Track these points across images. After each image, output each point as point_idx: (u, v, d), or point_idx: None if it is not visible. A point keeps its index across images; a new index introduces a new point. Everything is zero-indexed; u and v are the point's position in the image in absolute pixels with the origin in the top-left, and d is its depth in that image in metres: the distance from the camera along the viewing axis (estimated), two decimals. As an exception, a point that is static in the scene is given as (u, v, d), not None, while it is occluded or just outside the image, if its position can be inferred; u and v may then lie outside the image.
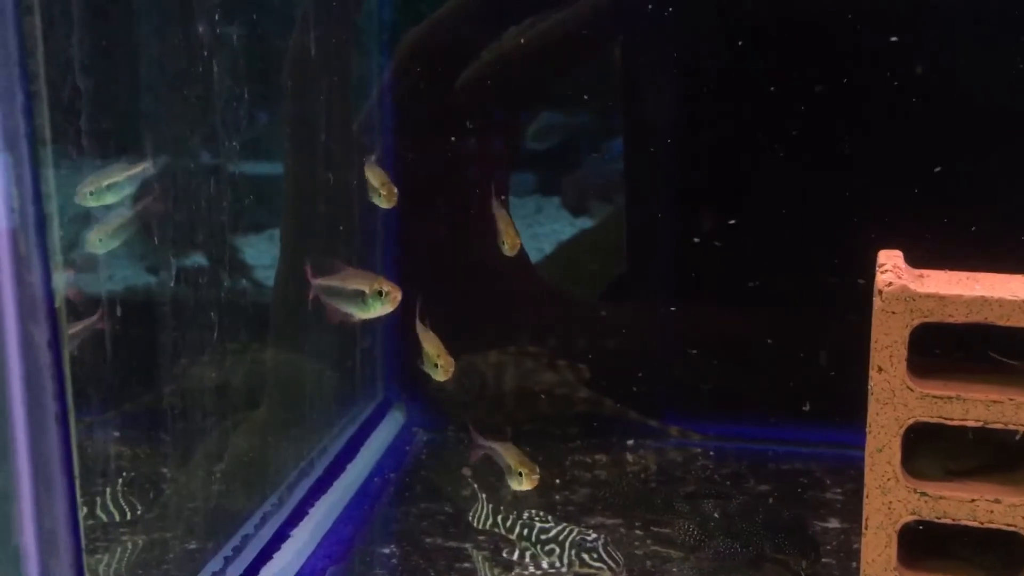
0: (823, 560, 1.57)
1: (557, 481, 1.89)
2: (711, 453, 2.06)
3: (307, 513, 1.56)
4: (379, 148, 2.16)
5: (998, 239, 1.84)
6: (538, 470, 1.48)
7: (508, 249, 1.63)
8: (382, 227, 2.20)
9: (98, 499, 1.51)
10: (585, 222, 2.31)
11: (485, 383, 2.14)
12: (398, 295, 1.43)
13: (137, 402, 1.51)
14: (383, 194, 1.54)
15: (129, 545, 1.46)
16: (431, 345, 1.52)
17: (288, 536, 1.48)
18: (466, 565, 1.56)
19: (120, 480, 1.54)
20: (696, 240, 2.09)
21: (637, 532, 1.68)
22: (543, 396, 2.13)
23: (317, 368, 1.80)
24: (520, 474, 1.47)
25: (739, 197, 2.09)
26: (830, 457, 1.96)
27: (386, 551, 1.60)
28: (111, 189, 1.38)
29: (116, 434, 1.56)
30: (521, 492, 1.49)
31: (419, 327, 1.55)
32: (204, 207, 1.58)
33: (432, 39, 2.09)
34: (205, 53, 1.47)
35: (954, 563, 1.42)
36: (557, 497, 1.83)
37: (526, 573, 1.52)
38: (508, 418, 2.12)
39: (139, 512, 1.51)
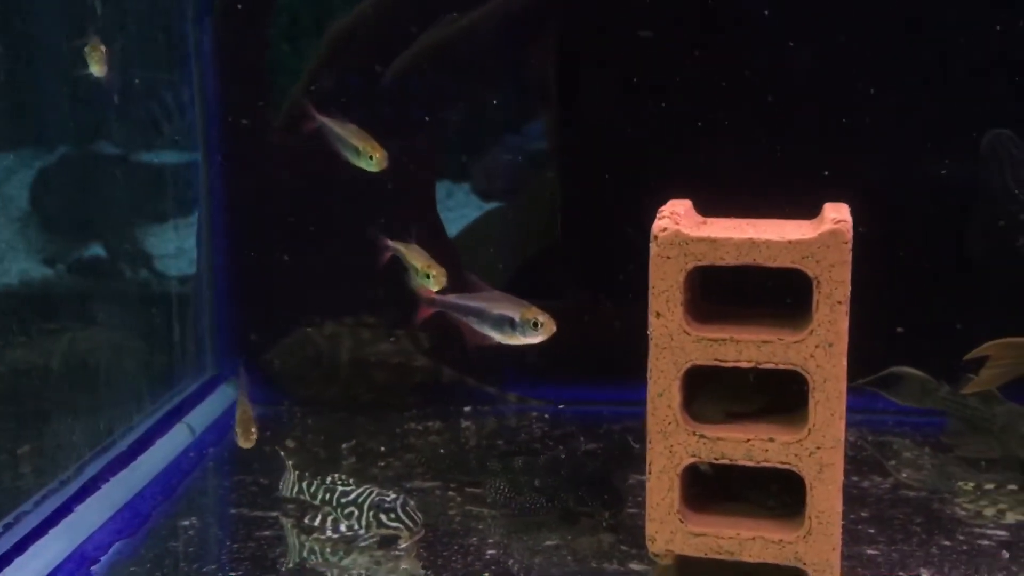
0: (631, 511, 1.57)
1: (383, 449, 1.87)
2: (546, 416, 2.06)
3: (99, 489, 1.51)
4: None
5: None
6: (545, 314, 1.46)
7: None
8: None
9: None
10: (494, 207, 2.30)
11: (320, 355, 2.10)
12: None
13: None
14: None
15: None
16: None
17: (71, 511, 1.43)
18: (266, 533, 1.53)
19: None
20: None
21: (451, 493, 1.67)
22: (380, 366, 2.10)
23: (123, 346, 1.75)
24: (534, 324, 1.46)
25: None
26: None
27: (185, 523, 1.56)
28: None
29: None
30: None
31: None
32: None
33: (360, 28, 2.07)
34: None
35: (739, 505, 1.44)
36: (381, 464, 1.81)
37: (323, 537, 1.50)
38: (344, 390, 2.10)
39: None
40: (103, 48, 1.55)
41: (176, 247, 2.14)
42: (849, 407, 2.07)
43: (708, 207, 1.46)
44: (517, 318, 1.46)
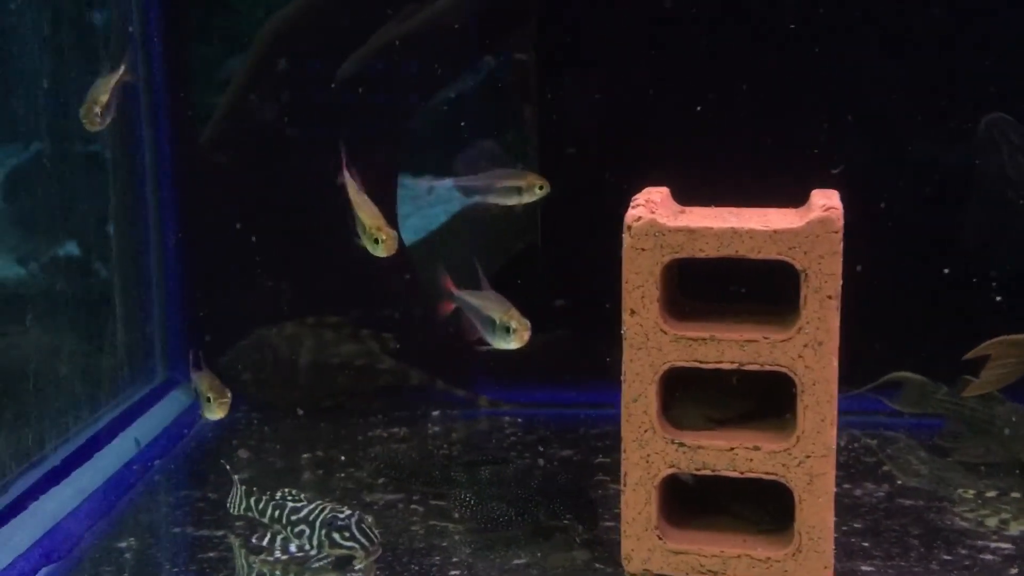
0: (607, 524, 1.46)
1: (343, 458, 1.75)
2: (519, 421, 1.94)
3: (25, 508, 1.39)
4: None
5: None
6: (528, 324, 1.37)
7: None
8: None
9: None
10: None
11: (278, 358, 1.98)
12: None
13: None
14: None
15: None
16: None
17: (-9, 535, 1.31)
18: (211, 555, 1.40)
19: None
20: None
21: (414, 506, 1.55)
22: (343, 369, 1.98)
23: (59, 351, 1.61)
24: (508, 329, 1.37)
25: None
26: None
27: (122, 545, 1.43)
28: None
29: None
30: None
31: None
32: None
33: (301, 24, 1.93)
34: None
35: (724, 519, 1.32)
36: (342, 475, 1.69)
37: (271, 558, 1.38)
38: (305, 394, 1.97)
39: None
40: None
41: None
42: (840, 408, 1.96)
43: (695, 199, 1.34)
44: (496, 320, 1.37)
